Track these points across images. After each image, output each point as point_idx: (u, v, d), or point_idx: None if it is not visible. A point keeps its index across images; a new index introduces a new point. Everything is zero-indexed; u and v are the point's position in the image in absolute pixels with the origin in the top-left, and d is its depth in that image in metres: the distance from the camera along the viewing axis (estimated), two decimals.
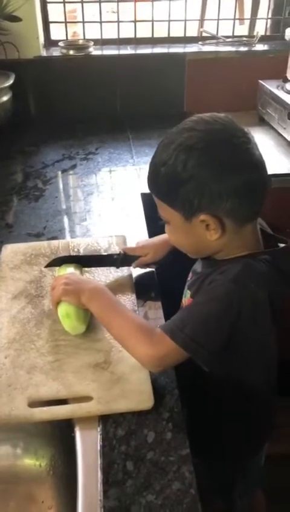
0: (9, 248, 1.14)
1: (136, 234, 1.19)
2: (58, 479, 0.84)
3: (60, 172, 1.56)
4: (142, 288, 1.02)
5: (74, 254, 1.10)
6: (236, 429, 0.92)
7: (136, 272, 1.07)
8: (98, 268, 1.06)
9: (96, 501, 0.65)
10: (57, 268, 0.99)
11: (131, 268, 1.06)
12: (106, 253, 1.09)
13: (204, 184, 0.71)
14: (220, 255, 0.80)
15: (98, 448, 0.71)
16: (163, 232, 1.08)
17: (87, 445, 0.72)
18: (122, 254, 1.04)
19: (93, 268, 1.06)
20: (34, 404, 0.77)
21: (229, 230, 0.75)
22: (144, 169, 1.56)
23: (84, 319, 0.88)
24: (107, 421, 0.75)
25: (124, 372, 0.81)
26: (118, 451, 0.71)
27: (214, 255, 0.82)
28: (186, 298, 0.90)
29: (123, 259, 1.04)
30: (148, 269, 1.07)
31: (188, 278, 0.92)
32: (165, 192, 0.76)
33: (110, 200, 1.39)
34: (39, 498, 0.84)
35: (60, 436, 0.81)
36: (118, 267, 1.05)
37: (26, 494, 0.84)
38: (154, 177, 0.77)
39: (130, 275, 1.05)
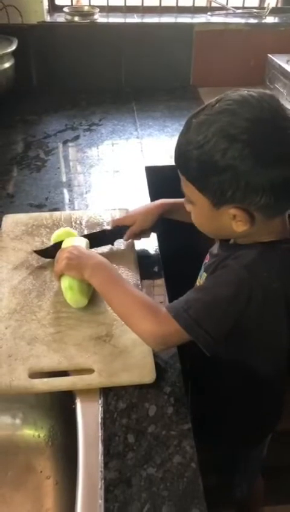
0: (11, 218, 1.12)
1: None
2: (57, 449, 0.84)
3: (62, 143, 1.52)
4: (145, 263, 1.01)
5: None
6: (241, 417, 0.91)
7: (139, 246, 1.05)
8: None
9: (97, 472, 0.65)
10: (64, 240, 0.97)
11: (134, 241, 1.05)
12: (94, 231, 1.06)
13: (241, 177, 0.66)
14: (243, 240, 0.77)
15: (99, 420, 0.71)
16: None
17: (88, 417, 0.72)
18: (109, 230, 1.02)
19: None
20: (34, 375, 0.76)
21: (257, 222, 0.71)
22: (148, 142, 1.53)
23: (86, 293, 0.87)
24: (108, 393, 0.75)
25: (126, 346, 0.81)
26: (119, 424, 0.71)
27: (236, 239, 0.79)
28: (201, 280, 0.87)
29: (114, 232, 1.02)
30: (150, 244, 1.05)
31: (205, 260, 0.89)
32: (195, 176, 0.71)
33: (113, 173, 1.36)
34: (38, 468, 0.84)
35: (59, 408, 0.81)
36: (112, 244, 1.03)
37: (25, 464, 0.84)
38: (185, 157, 0.70)
39: (133, 249, 1.03)
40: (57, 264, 0.88)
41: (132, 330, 0.79)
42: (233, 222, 0.71)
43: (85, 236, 1.01)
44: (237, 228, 0.72)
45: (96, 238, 1.01)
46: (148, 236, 1.04)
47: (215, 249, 0.86)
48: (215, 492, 0.75)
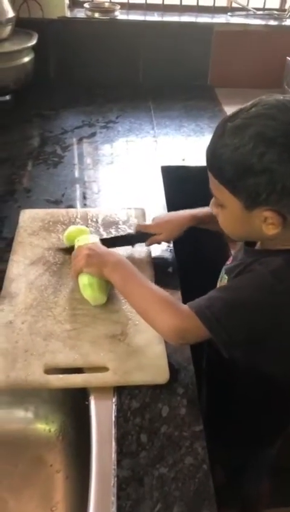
0: (28, 213, 1.12)
1: (155, 208, 1.18)
2: (67, 444, 0.85)
3: (79, 139, 1.53)
4: (160, 264, 1.01)
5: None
6: (253, 419, 0.92)
7: (155, 247, 1.05)
8: None
9: (110, 470, 0.66)
10: (78, 238, 0.98)
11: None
12: (120, 234, 1.07)
13: (278, 180, 0.66)
14: (268, 243, 0.77)
15: (113, 419, 0.72)
16: (182, 207, 1.07)
17: (101, 415, 0.73)
18: (134, 233, 1.03)
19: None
20: (49, 371, 0.77)
21: (287, 225, 0.71)
22: (164, 141, 1.54)
23: (105, 290, 0.87)
24: (122, 392, 0.76)
25: (141, 345, 0.81)
26: (132, 423, 0.71)
27: (262, 244, 0.79)
28: (222, 283, 0.87)
29: (137, 237, 1.02)
30: (164, 245, 1.06)
31: (227, 262, 0.89)
32: (229, 178, 0.70)
33: (129, 171, 1.37)
34: (48, 462, 0.85)
35: (71, 404, 0.82)
36: (133, 246, 1.03)
37: (35, 457, 0.86)
38: (219, 160, 0.70)
39: (149, 250, 1.04)
40: (76, 261, 0.89)
41: (150, 325, 0.79)
42: (264, 225, 0.72)
43: (108, 238, 1.03)
44: (268, 231, 0.72)
45: (119, 240, 1.03)
46: (169, 242, 1.05)
47: (239, 253, 0.86)
48: (221, 490, 0.75)
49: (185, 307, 0.75)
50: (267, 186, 0.67)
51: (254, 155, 0.66)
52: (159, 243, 1.03)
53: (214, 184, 0.74)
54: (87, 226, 1.09)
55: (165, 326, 0.76)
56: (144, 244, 1.03)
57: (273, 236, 0.73)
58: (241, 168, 0.67)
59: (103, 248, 0.91)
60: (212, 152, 0.72)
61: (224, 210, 0.76)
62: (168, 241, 1.03)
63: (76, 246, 0.95)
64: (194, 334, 0.75)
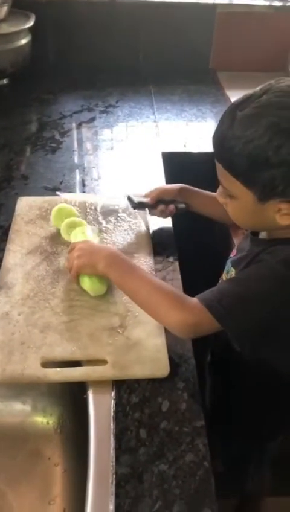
0: (25, 201, 1.10)
1: None
2: (65, 437, 0.84)
3: (78, 124, 1.49)
4: (160, 251, 0.99)
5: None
6: (256, 412, 0.91)
7: (154, 234, 1.03)
8: (115, 228, 1.03)
9: (109, 466, 0.64)
10: (73, 231, 0.95)
11: (150, 230, 1.03)
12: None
13: None
14: (276, 232, 0.75)
15: (112, 413, 0.70)
16: None
17: (100, 410, 0.71)
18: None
19: (110, 229, 1.03)
20: (47, 364, 0.75)
21: None
22: (165, 127, 1.50)
23: (105, 280, 0.85)
24: (121, 386, 0.74)
25: (140, 338, 0.79)
26: (131, 418, 0.70)
27: (271, 233, 0.77)
28: (229, 275, 0.85)
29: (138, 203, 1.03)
30: (165, 234, 1.04)
31: (231, 255, 0.87)
32: (243, 171, 0.67)
33: (130, 157, 1.33)
34: (46, 455, 0.83)
35: (69, 396, 0.80)
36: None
37: (33, 450, 0.84)
38: (231, 152, 0.67)
39: (148, 237, 1.01)
40: (68, 264, 0.87)
41: (158, 320, 0.77)
42: (277, 215, 0.70)
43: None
44: (282, 221, 0.70)
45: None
46: (175, 212, 1.02)
47: (244, 244, 0.84)
48: (220, 480, 0.74)
49: (194, 300, 0.73)
50: (283, 178, 0.65)
51: (269, 148, 0.63)
52: (163, 211, 1.01)
53: (223, 175, 0.71)
54: (85, 214, 1.06)
55: (175, 322, 0.74)
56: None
57: (287, 226, 0.70)
58: (256, 161, 0.65)
59: (94, 244, 0.88)
60: (222, 143, 0.68)
61: (234, 201, 0.73)
62: (164, 199, 1.01)
63: (72, 240, 0.92)
64: (206, 328, 0.73)
